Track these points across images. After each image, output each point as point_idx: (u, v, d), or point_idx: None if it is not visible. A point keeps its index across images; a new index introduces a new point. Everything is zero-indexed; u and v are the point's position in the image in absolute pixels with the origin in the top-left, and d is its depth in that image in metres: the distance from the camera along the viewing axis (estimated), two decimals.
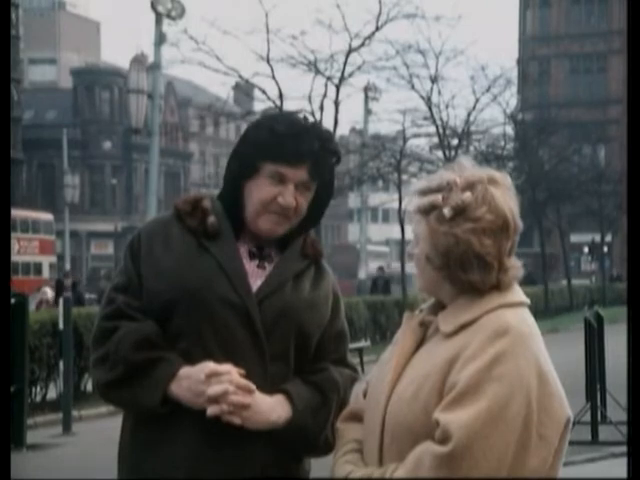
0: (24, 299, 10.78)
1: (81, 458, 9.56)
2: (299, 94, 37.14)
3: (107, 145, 64.19)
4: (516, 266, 2.14)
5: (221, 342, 2.35)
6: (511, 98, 34.46)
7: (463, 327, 2.09)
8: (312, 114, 23.87)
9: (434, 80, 28.79)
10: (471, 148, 31.43)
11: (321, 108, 25.30)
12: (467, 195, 2.10)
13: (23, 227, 44.31)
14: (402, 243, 28.65)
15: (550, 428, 2.02)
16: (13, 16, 53.91)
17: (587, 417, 9.34)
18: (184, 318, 2.36)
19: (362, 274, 41.44)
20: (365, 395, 2.29)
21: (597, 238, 43.68)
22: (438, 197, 2.12)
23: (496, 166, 26.71)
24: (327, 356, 2.50)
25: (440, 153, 29.92)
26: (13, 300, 9.96)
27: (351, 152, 32.04)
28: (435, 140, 30.49)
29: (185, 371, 2.32)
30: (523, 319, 2.10)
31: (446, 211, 2.09)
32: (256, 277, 2.43)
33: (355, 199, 55.07)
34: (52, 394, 12.51)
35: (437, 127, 29.22)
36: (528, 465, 2.00)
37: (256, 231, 2.45)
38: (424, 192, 2.16)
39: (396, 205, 28.11)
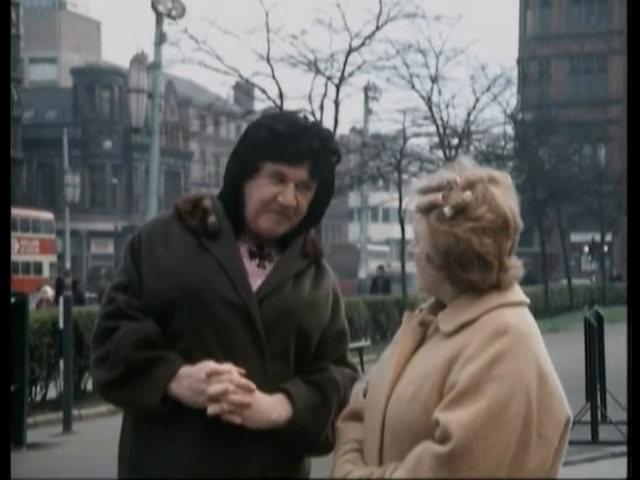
0: (24, 298, 10.77)
1: (81, 457, 9.56)
2: (299, 94, 37.12)
3: (107, 144, 64.19)
4: (516, 265, 2.14)
5: (221, 342, 2.35)
6: (511, 98, 34.51)
7: (463, 327, 2.09)
8: (312, 114, 23.89)
9: (434, 80, 28.80)
10: (471, 148, 31.44)
11: (321, 108, 25.32)
12: (467, 194, 2.10)
13: (23, 226, 44.31)
14: (402, 242, 28.65)
15: (550, 428, 2.02)
16: (13, 15, 53.92)
17: (587, 417, 9.34)
18: (184, 318, 2.37)
19: (362, 274, 41.47)
20: (365, 394, 2.29)
21: (597, 238, 43.68)
22: (438, 196, 2.12)
23: (496, 166, 26.70)
24: (327, 356, 2.50)
25: (440, 153, 29.93)
26: (13, 299, 9.96)
27: (351, 152, 32.06)
28: (435, 140, 30.53)
29: (185, 370, 2.32)
30: (523, 319, 2.10)
31: (446, 210, 2.09)
32: (256, 277, 2.43)
33: (355, 198, 55.10)
34: (52, 393, 12.51)
35: (437, 127, 29.23)
36: (528, 465, 2.00)
37: (256, 230, 2.45)
38: (425, 191, 2.16)
39: (396, 204, 28.12)
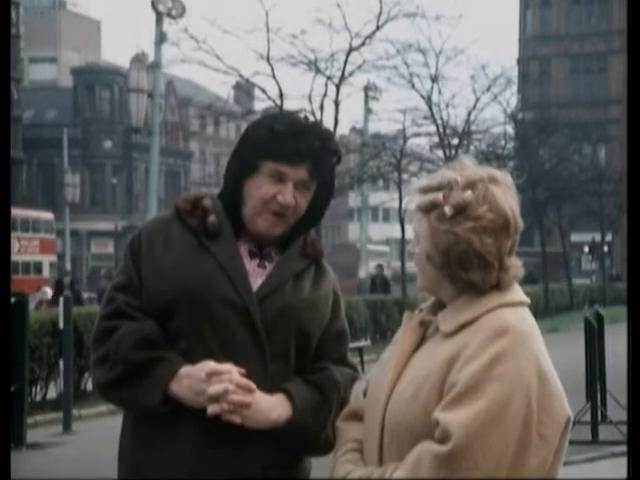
0: (24, 298, 10.78)
1: (81, 457, 9.56)
2: (299, 93, 37.13)
3: (107, 144, 64.19)
4: (516, 265, 2.14)
5: (221, 342, 2.35)
6: (511, 97, 34.54)
7: (463, 326, 2.08)
8: (312, 113, 23.89)
9: (434, 79, 28.80)
10: (471, 147, 31.45)
11: (321, 107, 25.32)
12: (468, 194, 2.09)
13: (23, 226, 44.30)
14: (402, 242, 28.65)
15: (550, 428, 2.02)
16: (13, 15, 53.92)
17: (587, 417, 9.34)
18: (184, 318, 2.36)
19: (362, 273, 41.47)
20: (365, 394, 2.28)
21: (597, 237, 43.70)
22: (439, 196, 2.12)
23: (496, 165, 26.65)
24: (327, 355, 2.50)
25: (440, 152, 29.93)
26: (13, 299, 9.96)
27: (351, 151, 32.06)
28: (435, 139, 30.53)
29: (185, 370, 2.32)
30: (523, 318, 2.10)
31: (447, 210, 2.09)
32: (256, 276, 2.43)
33: (355, 198, 55.10)
34: (52, 393, 12.51)
35: (437, 126, 29.23)
36: (528, 465, 2.00)
37: (254, 231, 2.45)
38: (425, 190, 2.16)
39: (396, 204, 28.13)
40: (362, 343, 17.23)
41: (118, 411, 2.61)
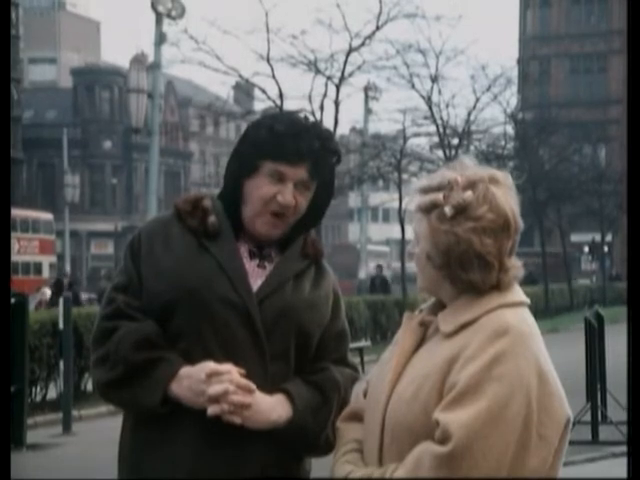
0: (24, 299, 10.78)
1: (81, 458, 9.56)
2: (299, 94, 37.06)
3: (107, 145, 64.18)
4: (516, 266, 2.14)
5: (221, 342, 2.35)
6: (511, 97, 34.53)
7: (463, 327, 2.08)
8: (312, 114, 23.89)
9: (434, 79, 28.81)
10: (471, 147, 31.45)
11: (321, 108, 25.33)
12: (468, 194, 2.09)
13: (23, 227, 44.30)
14: (402, 243, 28.67)
15: (550, 428, 2.02)
16: (13, 15, 53.91)
17: (587, 417, 9.34)
18: (184, 318, 2.36)
19: (362, 274, 41.46)
20: (365, 395, 2.28)
21: (597, 238, 43.70)
22: (439, 196, 2.11)
23: (496, 165, 26.67)
24: (328, 356, 2.50)
25: (440, 152, 29.94)
26: (13, 300, 9.96)
27: (351, 152, 32.07)
28: (435, 139, 30.54)
29: (185, 371, 2.32)
30: (523, 319, 2.10)
31: (447, 210, 2.09)
32: (256, 277, 2.42)
33: (355, 199, 55.11)
34: (52, 394, 12.51)
35: (437, 126, 29.24)
36: (528, 465, 2.00)
37: (254, 232, 2.45)
38: (425, 190, 2.16)
39: (396, 205, 28.14)
40: (362, 343, 17.23)
41: (118, 412, 2.61)
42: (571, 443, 2.16)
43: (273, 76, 25.27)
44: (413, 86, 28.78)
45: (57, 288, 24.33)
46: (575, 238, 49.35)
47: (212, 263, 2.39)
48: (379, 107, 50.27)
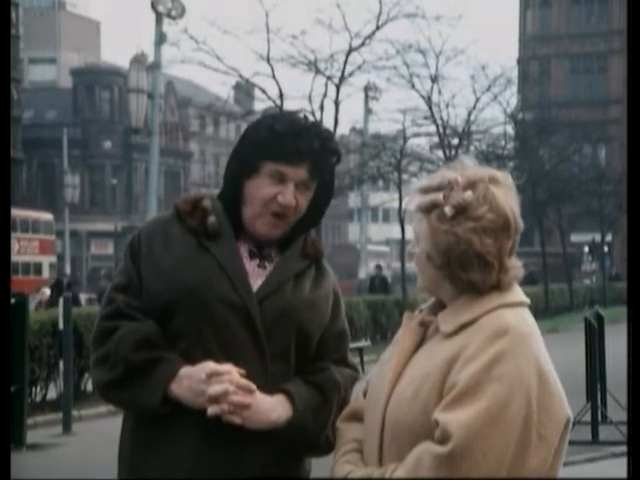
0: (24, 299, 10.78)
1: (81, 458, 9.56)
2: (299, 94, 37.12)
3: (107, 145, 64.19)
4: (516, 266, 2.14)
5: (221, 342, 2.35)
6: (511, 98, 34.53)
7: (463, 327, 2.08)
8: (312, 114, 23.88)
9: (434, 79, 28.81)
10: (471, 147, 31.45)
11: (321, 108, 25.33)
12: (468, 194, 2.09)
13: (23, 227, 44.30)
14: (402, 243, 28.67)
15: (550, 428, 2.02)
16: (13, 15, 53.92)
17: (587, 417, 9.34)
18: (184, 318, 2.36)
19: (362, 274, 41.44)
20: (365, 395, 2.28)
21: (597, 238, 43.70)
22: (439, 196, 2.11)
23: (496, 166, 26.68)
24: (328, 356, 2.50)
25: (440, 152, 29.94)
26: (13, 300, 9.96)
27: (351, 152, 32.08)
28: (435, 139, 30.54)
29: (185, 371, 2.32)
30: (523, 319, 2.10)
31: (447, 210, 2.09)
32: (256, 277, 2.42)
33: (355, 199, 55.09)
34: (52, 394, 12.51)
35: (437, 126, 29.24)
36: (528, 465, 1.99)
37: (253, 233, 2.44)
38: (425, 190, 2.16)
39: (396, 205, 28.15)
40: (362, 343, 17.24)
41: (118, 412, 2.61)
42: (571, 443, 2.16)
43: (273, 76, 25.29)
44: (413, 86, 28.80)
45: (57, 288, 24.32)
46: (575, 238, 49.35)
47: (212, 263, 2.39)
48: (379, 107, 50.31)
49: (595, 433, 9.38)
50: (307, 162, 2.40)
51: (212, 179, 64.38)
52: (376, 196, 46.68)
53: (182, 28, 25.77)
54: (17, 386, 9.84)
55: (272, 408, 2.33)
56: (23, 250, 43.26)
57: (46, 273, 45.00)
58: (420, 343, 2.18)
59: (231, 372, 2.29)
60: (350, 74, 26.42)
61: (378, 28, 26.21)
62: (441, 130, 29.21)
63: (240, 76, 26.03)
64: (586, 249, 49.95)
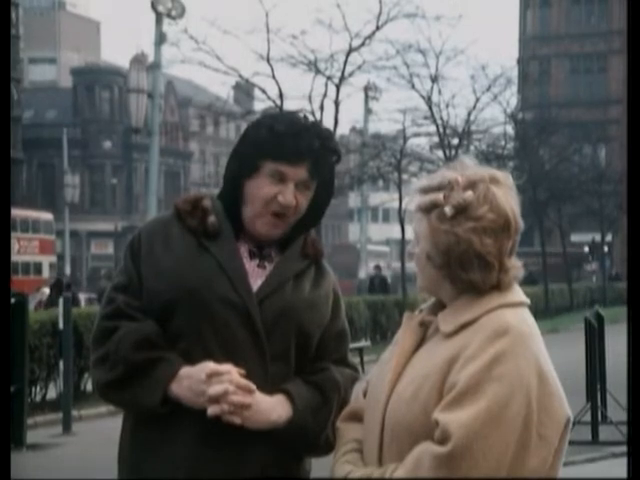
0: (24, 299, 10.78)
1: (81, 458, 9.56)
2: (299, 94, 37.07)
3: (107, 145, 64.19)
4: (517, 266, 2.14)
5: (221, 342, 2.35)
6: (511, 98, 34.55)
7: (463, 327, 2.08)
8: (312, 114, 23.89)
9: (434, 79, 28.83)
10: (471, 147, 31.46)
11: (321, 108, 25.34)
12: (469, 194, 2.09)
13: (23, 227, 44.31)
14: (402, 243, 28.67)
15: (550, 428, 2.02)
16: (13, 15, 53.92)
17: (587, 417, 9.34)
18: (184, 318, 2.36)
19: (362, 274, 41.44)
20: (365, 395, 2.28)
21: (597, 238, 43.71)
22: (439, 195, 2.11)
23: (497, 166, 26.66)
24: (328, 356, 2.50)
25: (440, 152, 29.95)
26: (13, 300, 9.96)
27: (351, 151, 32.08)
28: (435, 139, 30.55)
29: (185, 371, 2.32)
30: (523, 319, 2.10)
31: (447, 210, 2.08)
32: (256, 277, 2.42)
33: (355, 199, 55.09)
34: (52, 394, 12.51)
35: (437, 126, 29.25)
36: (528, 465, 1.99)
37: (254, 233, 2.44)
38: (425, 190, 2.16)
39: (396, 205, 28.15)
40: (362, 343, 17.24)
41: (118, 412, 2.61)
42: (571, 443, 2.16)
43: (273, 76, 25.30)
44: (413, 86, 28.81)
45: (57, 288, 24.30)
46: (575, 238, 49.36)
47: (212, 263, 2.39)
48: (379, 107, 50.37)
49: (595, 433, 9.38)
50: (307, 162, 2.40)
51: (212, 179, 64.33)
52: (376, 196, 46.69)
53: (182, 28, 25.82)
54: (17, 386, 9.84)
55: (272, 408, 2.33)
56: (23, 250, 43.27)
57: (46, 273, 45.00)
58: (420, 343, 2.18)
59: (231, 372, 2.29)
60: (350, 74, 26.46)
61: (378, 28, 26.24)
62: (441, 130, 29.23)
63: (240, 76, 26.05)
64: (586, 249, 49.95)
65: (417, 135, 30.97)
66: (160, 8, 26.20)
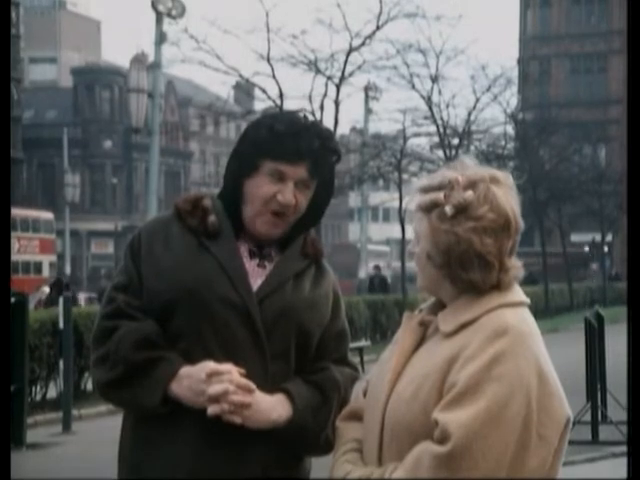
0: (24, 298, 10.78)
1: (81, 457, 9.56)
2: (299, 93, 37.08)
3: (107, 144, 64.19)
4: (517, 266, 2.14)
5: (221, 342, 2.35)
6: (511, 98, 34.56)
7: (463, 327, 2.08)
8: (312, 113, 23.89)
9: (434, 79, 28.83)
10: (472, 147, 31.46)
11: (321, 107, 25.34)
12: (469, 194, 2.09)
13: (23, 226, 44.30)
14: (402, 242, 28.67)
15: (550, 428, 2.02)
16: (13, 15, 53.91)
17: (587, 417, 9.34)
18: (184, 318, 2.36)
19: (362, 273, 41.45)
20: (365, 394, 2.28)
21: (597, 238, 43.71)
22: (440, 195, 2.11)
23: (497, 165, 26.65)
24: (328, 355, 2.50)
25: (441, 152, 29.95)
26: (13, 299, 9.96)
27: (351, 151, 32.08)
28: (435, 139, 30.56)
29: (186, 370, 2.32)
30: (523, 319, 2.10)
31: (448, 209, 2.08)
32: (256, 276, 2.42)
33: (355, 198, 55.09)
34: (52, 393, 12.51)
35: (437, 126, 29.25)
36: (528, 465, 1.99)
37: (254, 232, 2.44)
38: (426, 190, 2.16)
39: (397, 204, 28.15)
40: (362, 343, 17.24)
41: (118, 411, 2.61)
42: (571, 443, 2.16)
43: (273, 76, 25.30)
44: (413, 86, 28.81)
45: (57, 287, 24.31)
46: (575, 238, 49.37)
47: (212, 263, 2.39)
48: (379, 107, 50.35)
49: (595, 433, 9.38)
50: (307, 161, 2.40)
51: (212, 179, 64.32)
52: (376, 196, 46.70)
53: (182, 28, 25.82)
54: (17, 385, 9.84)
55: (272, 407, 2.33)
56: (23, 249, 43.27)
57: (46, 272, 45.01)
58: (420, 343, 2.18)
59: (231, 372, 2.29)
60: (350, 74, 26.45)
61: (378, 28, 26.24)
62: (441, 130, 29.23)
63: (240, 76, 26.05)
64: (586, 249, 49.95)
65: (417, 135, 31.00)
66: (160, 7, 26.20)
